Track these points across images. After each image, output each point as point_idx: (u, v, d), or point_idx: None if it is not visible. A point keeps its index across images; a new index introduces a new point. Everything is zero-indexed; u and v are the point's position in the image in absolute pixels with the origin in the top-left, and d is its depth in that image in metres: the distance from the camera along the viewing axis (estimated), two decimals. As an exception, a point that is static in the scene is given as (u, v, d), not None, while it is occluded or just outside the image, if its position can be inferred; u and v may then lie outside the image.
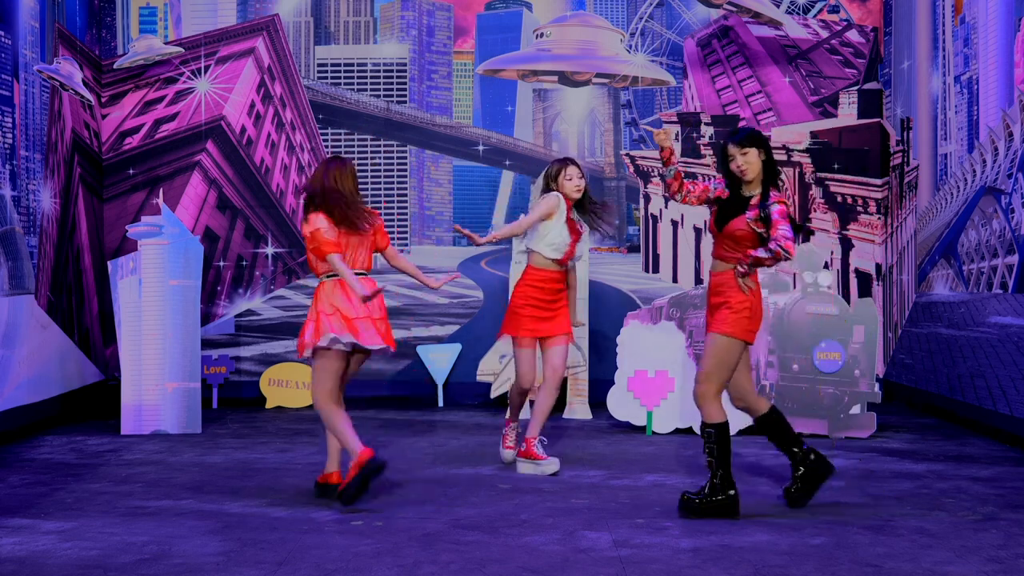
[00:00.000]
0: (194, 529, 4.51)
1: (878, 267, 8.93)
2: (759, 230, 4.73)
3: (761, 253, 4.67)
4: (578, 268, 8.06)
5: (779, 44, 9.25)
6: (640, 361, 7.22)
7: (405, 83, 9.45)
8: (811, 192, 8.92)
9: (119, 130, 9.19)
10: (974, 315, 7.52)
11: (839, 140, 8.91)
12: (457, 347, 9.00)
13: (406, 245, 9.31)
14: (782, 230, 4.67)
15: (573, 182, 5.78)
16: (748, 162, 4.75)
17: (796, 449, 4.95)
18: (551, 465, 5.73)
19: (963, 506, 4.98)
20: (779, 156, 8.98)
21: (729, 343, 4.75)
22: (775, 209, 4.71)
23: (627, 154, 9.32)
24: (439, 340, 9.11)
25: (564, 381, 7.93)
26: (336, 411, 4.97)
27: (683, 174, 4.96)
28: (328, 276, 5.05)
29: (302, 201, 5.41)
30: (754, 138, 4.77)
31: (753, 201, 4.78)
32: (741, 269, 4.73)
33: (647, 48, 9.50)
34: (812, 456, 4.93)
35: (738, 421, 7.12)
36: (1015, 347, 6.76)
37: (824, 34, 9.31)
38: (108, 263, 7.57)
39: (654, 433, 7.21)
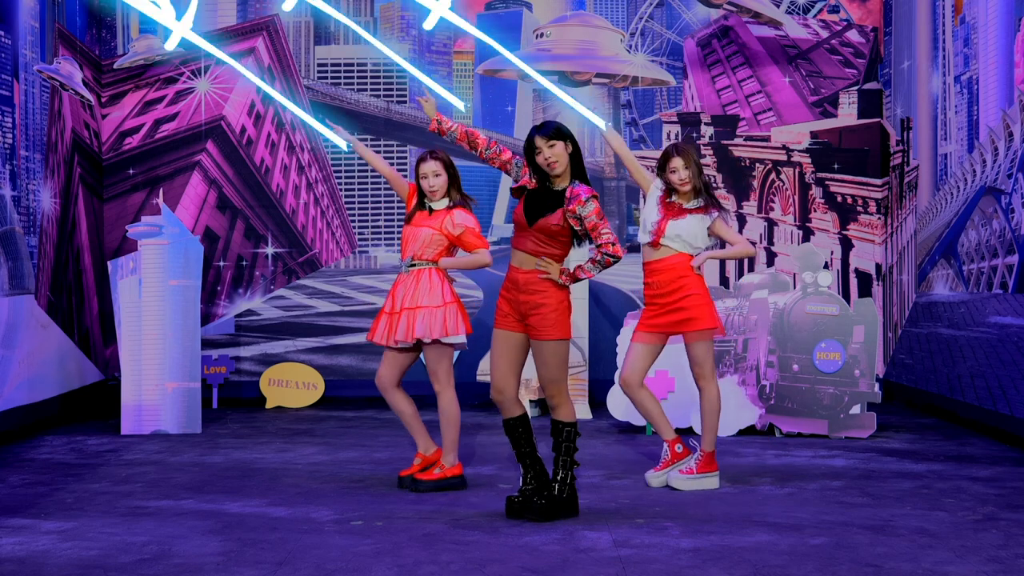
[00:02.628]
0: (194, 529, 4.51)
1: (878, 267, 8.93)
2: (576, 227, 4.65)
3: (590, 269, 4.66)
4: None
5: (779, 44, 9.25)
6: (640, 361, 7.20)
7: (405, 83, 9.46)
8: (811, 192, 8.92)
9: (119, 130, 9.19)
10: (974, 315, 7.52)
11: (839, 140, 8.91)
12: (457, 347, 8.98)
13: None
14: (606, 235, 4.61)
15: (677, 174, 5.45)
16: (556, 155, 4.65)
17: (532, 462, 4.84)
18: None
19: (963, 506, 4.98)
20: (779, 156, 8.98)
21: (566, 345, 4.76)
22: (591, 208, 4.60)
23: (627, 154, 9.31)
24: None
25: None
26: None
27: (466, 130, 4.83)
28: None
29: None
30: (560, 131, 4.69)
31: (568, 195, 4.67)
32: (563, 279, 4.64)
33: (647, 48, 9.50)
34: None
35: (737, 421, 7.13)
36: (1015, 347, 6.76)
37: (824, 34, 9.31)
38: (108, 263, 7.57)
39: (654, 433, 7.21)
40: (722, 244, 5.64)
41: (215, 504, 5.03)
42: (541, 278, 4.66)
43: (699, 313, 5.39)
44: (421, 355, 5.57)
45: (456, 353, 5.62)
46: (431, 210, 5.40)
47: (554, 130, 4.67)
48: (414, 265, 5.38)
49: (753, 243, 8.55)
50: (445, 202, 5.40)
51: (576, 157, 4.73)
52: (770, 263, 8.94)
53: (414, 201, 5.47)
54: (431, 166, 5.37)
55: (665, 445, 5.54)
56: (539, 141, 4.65)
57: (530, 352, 4.88)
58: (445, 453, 5.41)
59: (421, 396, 9.01)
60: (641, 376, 5.51)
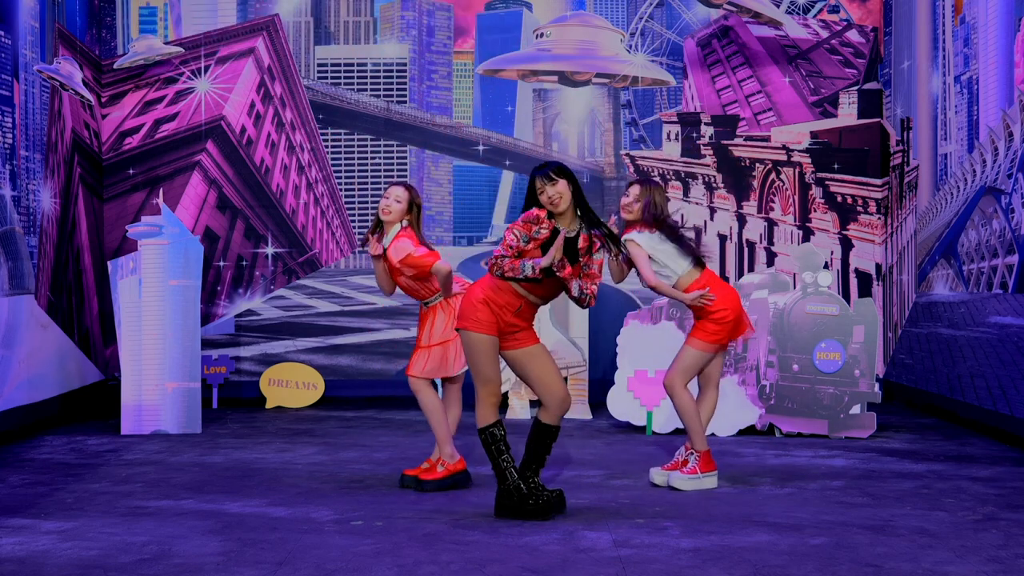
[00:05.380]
0: (194, 529, 4.51)
1: (878, 267, 8.93)
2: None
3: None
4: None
5: (779, 44, 9.25)
6: (640, 361, 7.22)
7: (405, 83, 9.46)
8: (811, 192, 8.92)
9: (119, 130, 9.19)
10: (974, 315, 7.52)
11: (839, 140, 8.91)
12: (457, 347, 8.99)
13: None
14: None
15: (627, 198, 5.58)
16: (559, 191, 4.67)
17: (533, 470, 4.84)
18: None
19: (963, 506, 4.98)
20: (779, 156, 8.98)
21: None
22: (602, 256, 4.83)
23: (627, 154, 9.32)
24: (439, 340, 9.10)
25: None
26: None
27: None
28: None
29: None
30: (561, 169, 4.73)
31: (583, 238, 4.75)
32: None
33: (647, 48, 9.50)
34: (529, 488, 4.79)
35: (737, 421, 7.13)
36: (1015, 347, 6.76)
37: (824, 34, 9.32)
38: (108, 263, 7.57)
39: (654, 433, 7.21)
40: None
41: (215, 504, 5.03)
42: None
43: (700, 324, 5.52)
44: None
45: None
46: (385, 251, 5.42)
47: (555, 168, 4.72)
48: (428, 303, 5.49)
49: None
50: (395, 230, 5.40)
51: (578, 194, 4.74)
52: (770, 263, 8.94)
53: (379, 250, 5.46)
54: (397, 191, 5.42)
55: (683, 448, 5.56)
56: (539, 182, 4.69)
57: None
58: (441, 446, 5.44)
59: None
60: (715, 376, 5.67)
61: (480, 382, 4.74)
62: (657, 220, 5.49)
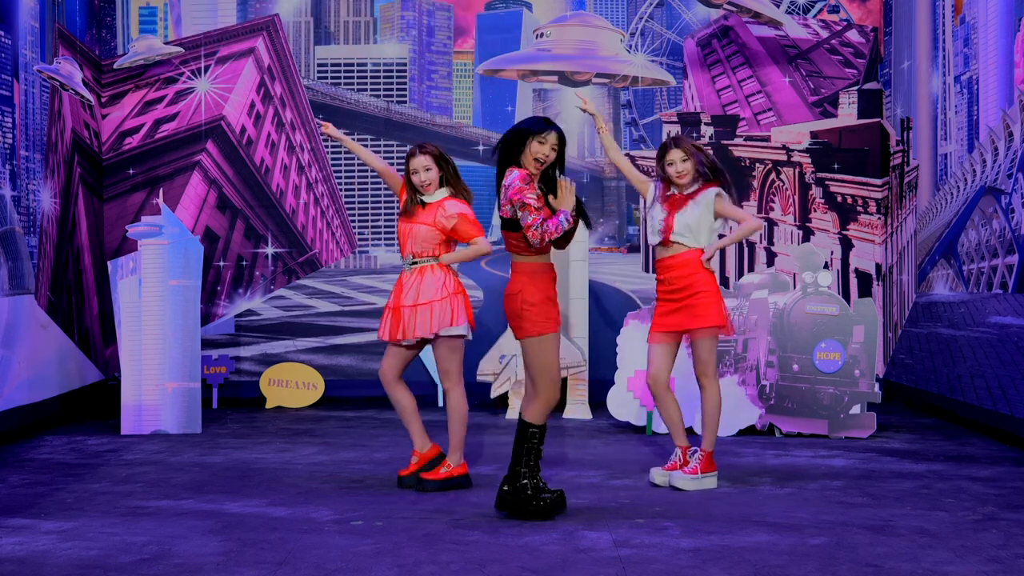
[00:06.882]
0: (194, 529, 4.51)
1: (878, 267, 8.93)
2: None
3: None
4: (577, 268, 8.09)
5: (779, 44, 9.25)
6: (640, 361, 7.21)
7: (405, 83, 9.46)
8: (811, 192, 8.92)
9: (119, 130, 9.19)
10: (974, 315, 7.52)
11: (839, 140, 8.91)
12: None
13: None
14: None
15: (675, 167, 5.45)
16: (553, 146, 4.72)
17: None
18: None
19: (963, 506, 4.98)
20: (779, 156, 8.98)
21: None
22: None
23: (627, 154, 9.31)
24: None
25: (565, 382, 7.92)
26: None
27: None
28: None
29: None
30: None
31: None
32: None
33: (647, 48, 9.50)
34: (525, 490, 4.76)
35: (737, 421, 7.13)
36: (1015, 347, 6.76)
37: (824, 34, 9.31)
38: (108, 263, 7.57)
39: (654, 433, 7.21)
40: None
41: (215, 504, 5.03)
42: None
43: (706, 312, 5.39)
44: (421, 352, 5.58)
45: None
46: (423, 204, 5.38)
47: (559, 132, 4.72)
48: (416, 263, 5.35)
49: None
50: (441, 192, 5.38)
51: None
52: (770, 263, 8.94)
53: (405, 195, 5.44)
54: (421, 160, 5.35)
55: (677, 449, 5.55)
56: (536, 144, 4.66)
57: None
58: (452, 451, 5.39)
59: (422, 396, 9.01)
60: (667, 376, 5.55)
61: (554, 385, 4.69)
62: (714, 169, 5.44)
